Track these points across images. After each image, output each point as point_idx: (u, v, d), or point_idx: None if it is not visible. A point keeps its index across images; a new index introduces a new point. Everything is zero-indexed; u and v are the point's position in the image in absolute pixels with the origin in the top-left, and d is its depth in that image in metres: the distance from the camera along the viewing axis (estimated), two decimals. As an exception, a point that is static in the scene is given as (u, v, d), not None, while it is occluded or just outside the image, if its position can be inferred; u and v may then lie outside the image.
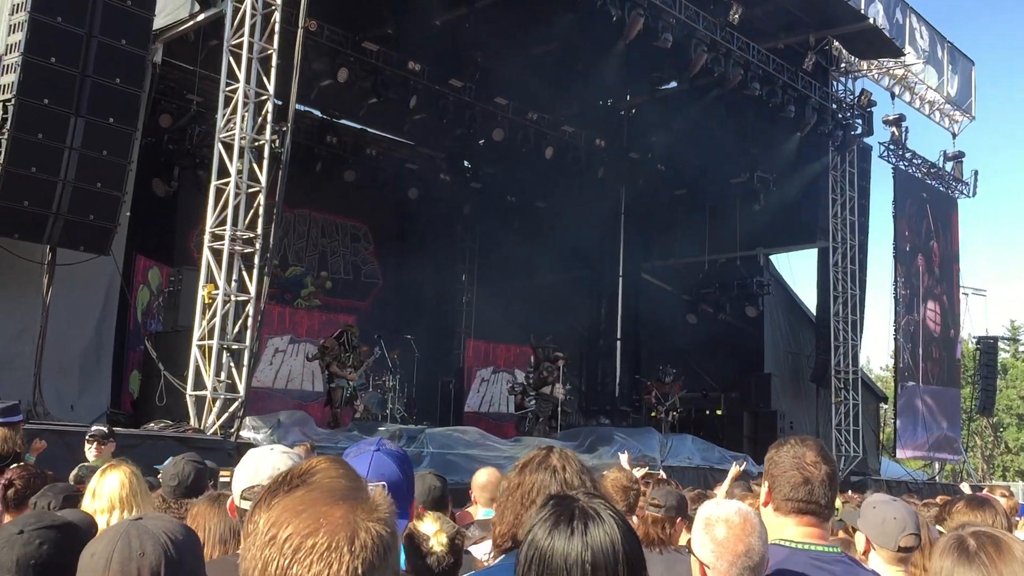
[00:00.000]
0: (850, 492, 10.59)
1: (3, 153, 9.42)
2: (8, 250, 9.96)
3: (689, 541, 2.49)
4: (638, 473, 6.17)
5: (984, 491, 6.54)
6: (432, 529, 3.25)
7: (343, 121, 18.97)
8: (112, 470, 3.60)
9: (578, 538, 1.72)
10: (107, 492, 3.48)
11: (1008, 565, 2.18)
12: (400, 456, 2.48)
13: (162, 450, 9.20)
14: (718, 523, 2.34)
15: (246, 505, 2.67)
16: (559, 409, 17.62)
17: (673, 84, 19.36)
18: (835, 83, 19.33)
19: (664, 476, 7.86)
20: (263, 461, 2.71)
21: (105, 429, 6.94)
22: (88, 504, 3.45)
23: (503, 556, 2.38)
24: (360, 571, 1.19)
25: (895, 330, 21.11)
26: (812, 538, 2.63)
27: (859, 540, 3.45)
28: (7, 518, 3.97)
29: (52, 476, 4.94)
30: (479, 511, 4.87)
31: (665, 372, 19.67)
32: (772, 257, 21.99)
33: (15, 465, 4.35)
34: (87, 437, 6.77)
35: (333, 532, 1.20)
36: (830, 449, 18.86)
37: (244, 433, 10.90)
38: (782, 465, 2.68)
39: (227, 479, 5.12)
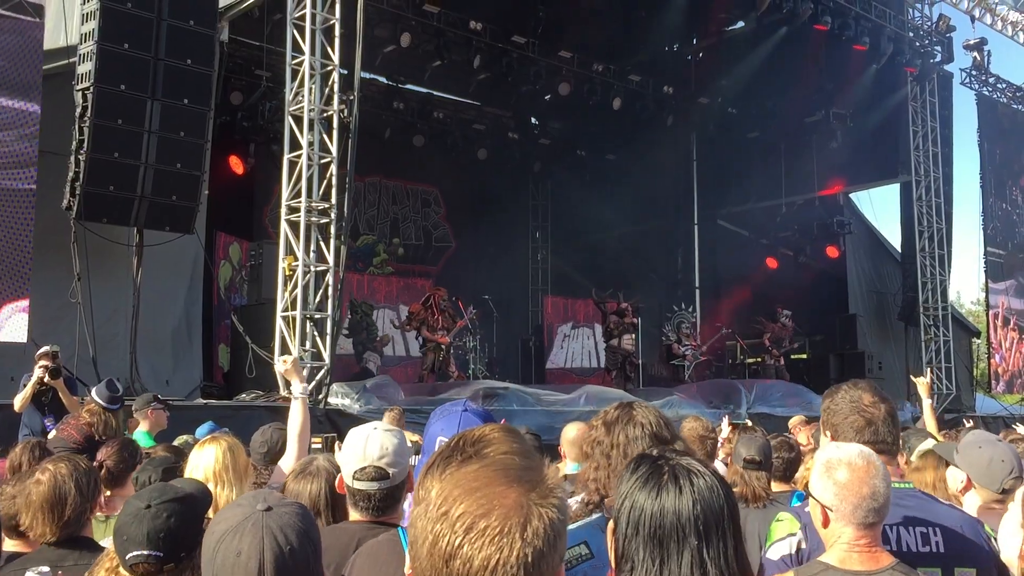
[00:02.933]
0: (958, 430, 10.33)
1: (86, 141, 9.72)
2: (98, 234, 10.31)
3: (807, 484, 2.49)
4: (726, 424, 6.15)
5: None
6: None
7: (409, 86, 19.01)
8: (209, 444, 3.71)
9: (688, 496, 1.71)
10: (203, 466, 3.59)
11: None
12: (485, 415, 2.52)
13: (254, 420, 9.49)
14: (840, 466, 2.31)
15: (359, 486, 2.75)
16: (627, 362, 17.49)
17: (740, 24, 18.86)
18: (911, 10, 18.57)
19: (750, 424, 7.79)
20: (370, 441, 2.77)
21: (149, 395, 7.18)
22: (187, 477, 3.57)
23: (597, 515, 2.40)
24: (530, 559, 1.17)
25: (984, 262, 20.42)
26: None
27: (953, 476, 3.41)
28: (107, 494, 4.14)
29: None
30: (568, 466, 4.92)
31: (781, 314, 19.21)
32: (852, 195, 21.42)
33: (106, 444, 4.53)
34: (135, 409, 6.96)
35: (506, 516, 1.19)
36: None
37: (332, 400, 11.16)
38: (841, 412, 2.68)
39: (318, 445, 5.27)
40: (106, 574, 2.38)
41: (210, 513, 2.58)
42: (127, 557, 2.30)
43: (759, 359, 19.14)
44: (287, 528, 1.62)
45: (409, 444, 2.94)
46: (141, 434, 6.66)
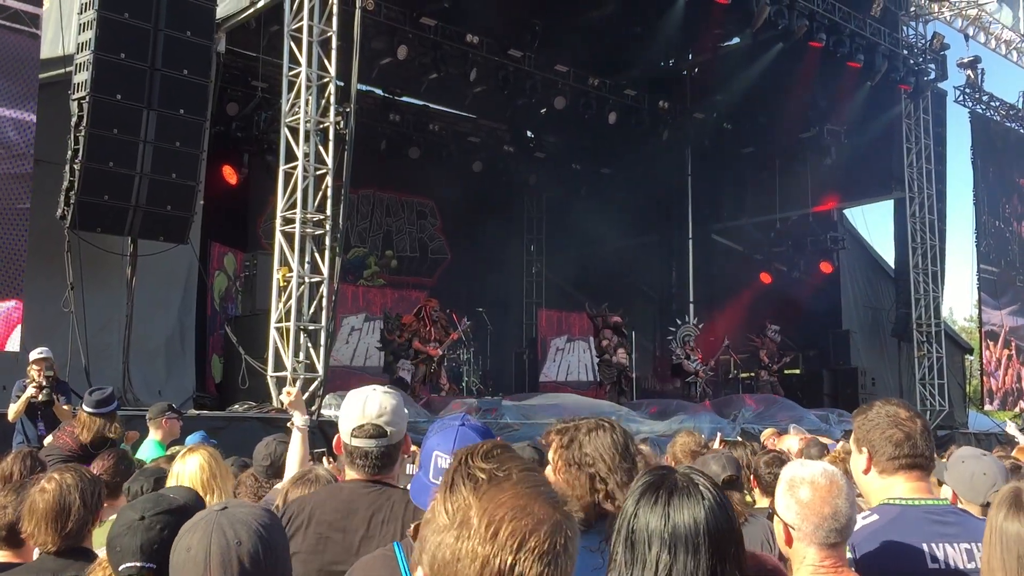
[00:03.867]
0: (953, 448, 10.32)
1: (81, 150, 9.72)
2: (92, 244, 10.29)
3: (772, 502, 2.47)
4: (717, 442, 6.17)
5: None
6: None
7: (405, 98, 19.05)
8: (191, 454, 3.71)
9: (660, 509, 1.78)
10: (188, 476, 3.59)
11: None
12: (483, 431, 2.51)
13: (247, 431, 9.48)
14: (802, 484, 2.29)
15: (357, 443, 2.78)
16: (623, 376, 17.48)
17: (736, 40, 18.96)
18: (905, 28, 18.69)
19: (741, 440, 7.79)
20: (369, 400, 2.80)
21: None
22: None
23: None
24: (568, 570, 1.26)
25: (978, 279, 20.49)
26: (921, 493, 2.62)
27: (944, 494, 3.40)
28: (104, 505, 4.12)
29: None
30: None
31: (769, 328, 19.14)
32: (846, 211, 21.51)
33: (100, 455, 4.52)
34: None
35: (551, 534, 1.26)
36: (914, 404, 18.56)
37: (325, 411, 11.13)
38: (879, 426, 2.64)
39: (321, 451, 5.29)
40: None
41: None
42: (120, 569, 2.28)
43: (752, 374, 19.12)
44: (237, 524, 1.63)
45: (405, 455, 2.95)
46: (153, 443, 6.63)
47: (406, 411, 2.88)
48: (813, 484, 2.28)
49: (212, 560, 1.58)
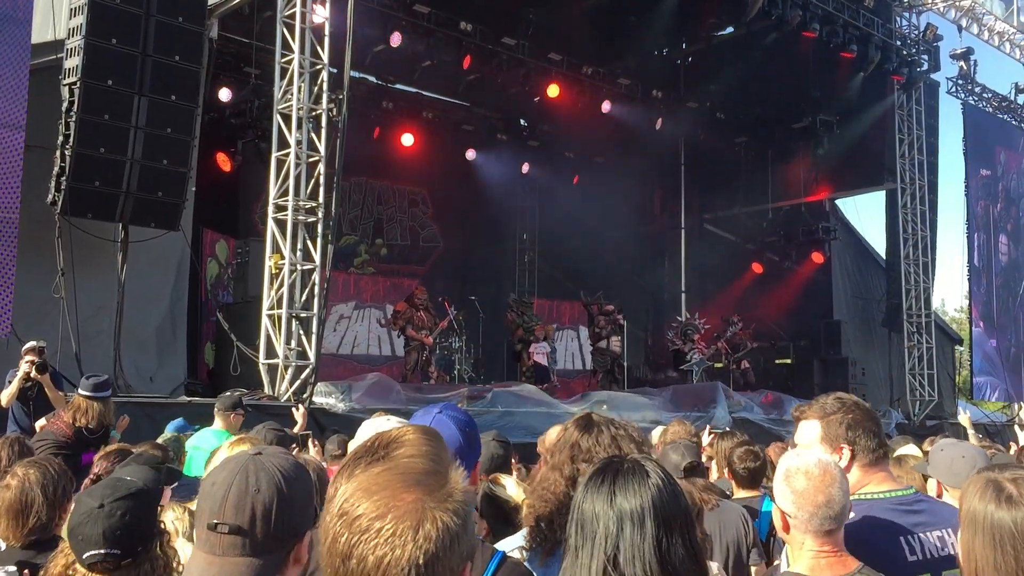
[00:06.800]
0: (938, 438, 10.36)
1: (72, 136, 9.68)
2: (82, 230, 10.26)
3: (771, 490, 2.53)
4: (706, 435, 6.22)
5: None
6: (521, 496, 3.23)
7: (398, 86, 19.00)
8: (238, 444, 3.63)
9: (607, 490, 1.86)
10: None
11: None
12: (464, 420, 2.45)
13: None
14: (797, 474, 2.35)
15: None
16: (616, 364, 17.52)
17: (730, 30, 18.96)
18: (898, 18, 18.69)
19: (729, 431, 7.83)
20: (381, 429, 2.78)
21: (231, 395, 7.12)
22: None
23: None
24: (421, 561, 1.22)
25: (968, 270, 20.56)
26: (889, 484, 2.66)
27: (931, 486, 3.44)
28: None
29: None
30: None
31: (729, 321, 19.35)
32: (838, 201, 21.56)
33: (100, 455, 4.52)
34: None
35: (400, 519, 1.23)
36: (903, 394, 18.63)
37: (317, 399, 11.15)
38: (860, 422, 2.66)
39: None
40: (62, 569, 2.39)
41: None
42: (84, 556, 2.30)
43: (719, 366, 19.16)
44: (261, 472, 1.67)
45: None
46: (213, 432, 6.60)
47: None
48: (807, 474, 2.34)
49: (229, 500, 1.63)
